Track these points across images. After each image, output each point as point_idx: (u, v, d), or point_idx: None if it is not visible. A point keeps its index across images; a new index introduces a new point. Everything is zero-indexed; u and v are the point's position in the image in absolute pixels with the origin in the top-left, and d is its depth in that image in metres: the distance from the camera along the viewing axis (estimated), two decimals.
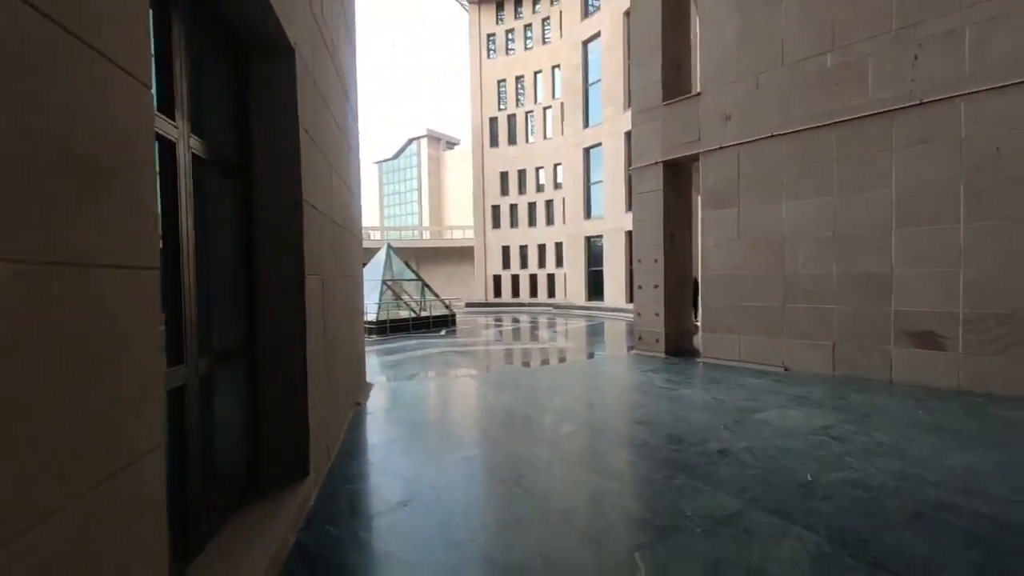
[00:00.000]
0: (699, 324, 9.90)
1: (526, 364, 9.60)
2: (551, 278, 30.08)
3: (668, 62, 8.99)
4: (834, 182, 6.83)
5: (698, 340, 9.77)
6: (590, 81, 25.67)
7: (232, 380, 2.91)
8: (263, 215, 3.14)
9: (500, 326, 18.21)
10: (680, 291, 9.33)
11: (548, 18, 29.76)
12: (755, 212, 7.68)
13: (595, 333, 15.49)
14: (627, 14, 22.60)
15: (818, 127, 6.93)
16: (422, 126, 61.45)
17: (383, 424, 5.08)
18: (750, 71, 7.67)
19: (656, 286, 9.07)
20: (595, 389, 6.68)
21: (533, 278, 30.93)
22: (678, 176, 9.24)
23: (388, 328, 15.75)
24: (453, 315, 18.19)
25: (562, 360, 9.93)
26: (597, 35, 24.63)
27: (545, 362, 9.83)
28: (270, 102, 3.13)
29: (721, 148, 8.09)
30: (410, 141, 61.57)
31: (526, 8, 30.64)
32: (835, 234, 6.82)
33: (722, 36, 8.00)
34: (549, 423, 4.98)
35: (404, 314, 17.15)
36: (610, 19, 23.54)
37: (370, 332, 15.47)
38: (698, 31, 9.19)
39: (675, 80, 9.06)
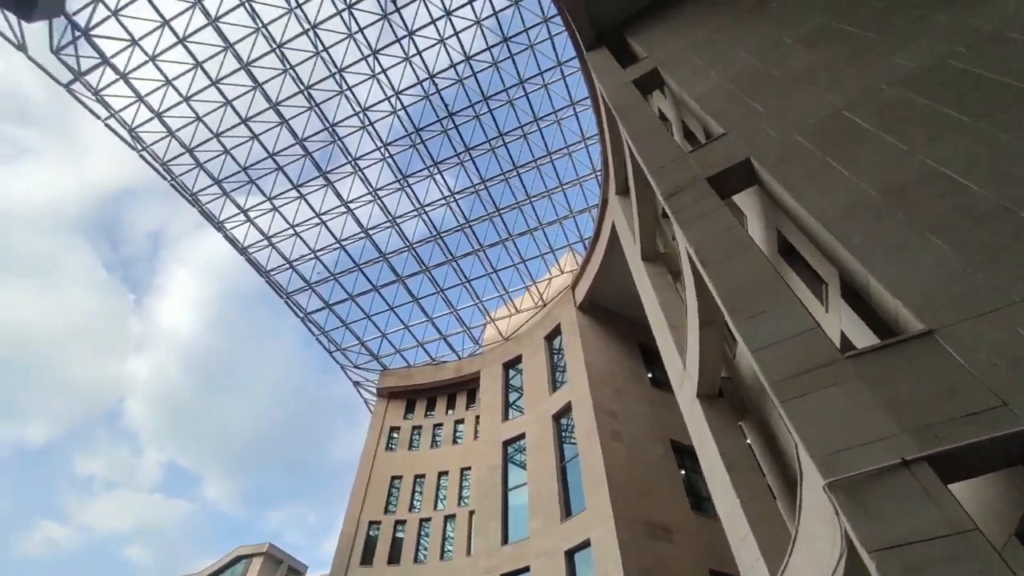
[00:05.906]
0: None
1: None
2: None
3: None
4: None
5: None
6: (510, 486, 21.01)
7: None
8: None
9: None
10: None
11: (462, 420, 27.76)
12: None
13: None
14: (556, 417, 20.97)
15: None
16: (263, 539, 45.87)
17: None
18: None
19: None
20: None
21: None
22: None
23: None
24: None
25: None
26: (520, 436, 22.07)
27: None
28: None
29: None
30: (238, 559, 44.79)
31: (439, 409, 28.96)
32: None
33: None
34: None
35: None
36: (537, 422, 21.63)
37: None
38: None
39: None
